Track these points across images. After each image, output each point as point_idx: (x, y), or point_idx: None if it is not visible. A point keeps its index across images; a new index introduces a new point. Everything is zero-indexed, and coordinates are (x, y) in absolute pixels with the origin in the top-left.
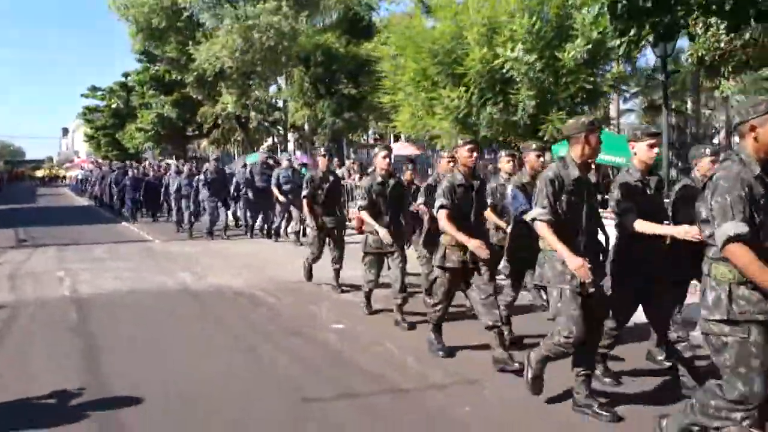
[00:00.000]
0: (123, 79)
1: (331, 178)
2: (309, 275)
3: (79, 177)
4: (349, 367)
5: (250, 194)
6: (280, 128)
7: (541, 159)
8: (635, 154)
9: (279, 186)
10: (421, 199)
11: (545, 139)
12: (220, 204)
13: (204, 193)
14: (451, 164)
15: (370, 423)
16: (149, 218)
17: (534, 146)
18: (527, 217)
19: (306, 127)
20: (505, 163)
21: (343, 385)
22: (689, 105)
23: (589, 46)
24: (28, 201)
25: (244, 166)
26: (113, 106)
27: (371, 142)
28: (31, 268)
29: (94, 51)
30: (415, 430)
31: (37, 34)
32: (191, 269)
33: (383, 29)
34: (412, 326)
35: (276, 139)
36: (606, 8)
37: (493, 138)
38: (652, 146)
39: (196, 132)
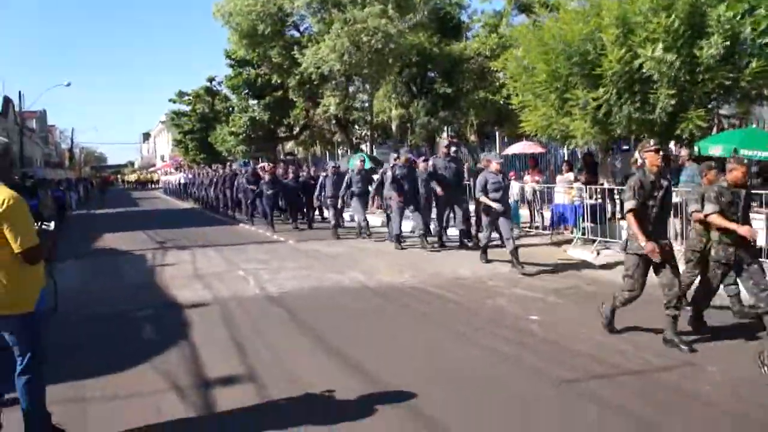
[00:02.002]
0: (208, 84)
1: (664, 183)
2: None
3: (182, 181)
4: (576, 353)
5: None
6: (357, 127)
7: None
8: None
9: (486, 192)
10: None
11: (683, 137)
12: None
13: (389, 191)
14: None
15: (632, 398)
16: (288, 224)
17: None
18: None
19: (394, 126)
20: None
21: (584, 368)
22: None
23: (727, 42)
24: (131, 205)
25: (425, 160)
26: (198, 110)
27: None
28: (208, 269)
29: (169, 57)
30: (674, 406)
31: (111, 43)
32: (358, 268)
33: (477, 29)
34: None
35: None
36: None
37: (628, 136)
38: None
39: (287, 134)
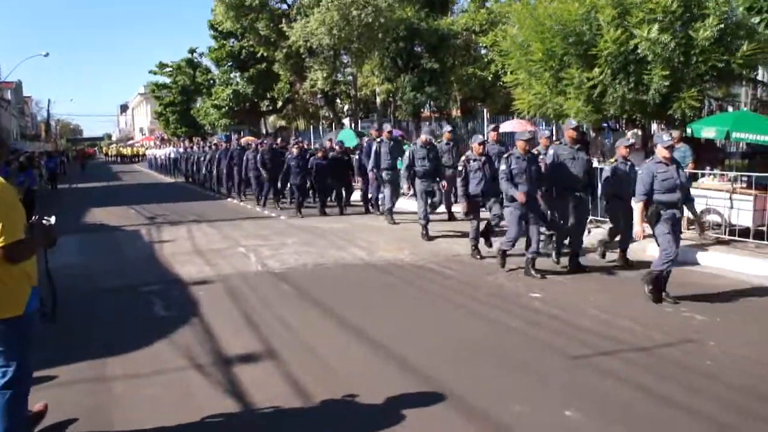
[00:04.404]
0: (189, 55)
1: None
2: None
3: (171, 156)
4: (582, 330)
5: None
6: (339, 101)
7: None
8: None
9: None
10: None
11: (675, 117)
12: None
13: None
14: None
15: (636, 371)
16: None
17: None
18: None
19: (378, 101)
20: None
21: (593, 345)
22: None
23: (722, 25)
24: (113, 179)
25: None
26: (179, 82)
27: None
28: (207, 245)
29: (148, 28)
30: (676, 380)
31: (84, 15)
32: (356, 244)
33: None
34: None
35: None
36: None
37: (620, 116)
38: None
39: (270, 107)
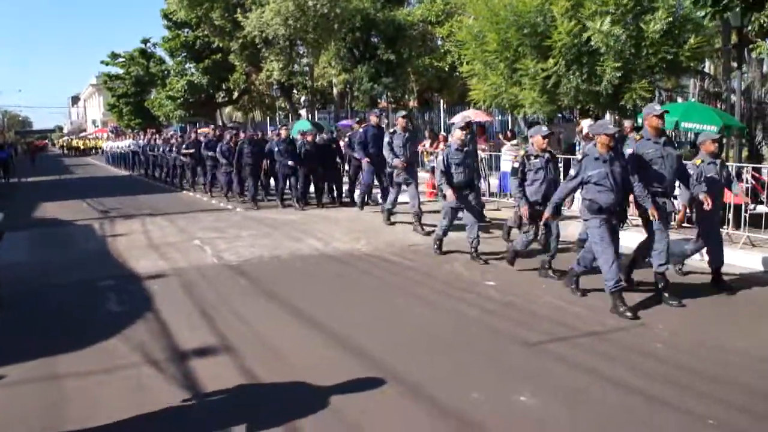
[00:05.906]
0: (142, 46)
1: None
2: None
3: (131, 148)
4: (536, 317)
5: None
6: (296, 92)
7: None
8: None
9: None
10: None
11: (627, 108)
12: None
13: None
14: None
15: (589, 356)
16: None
17: None
18: None
19: (335, 92)
20: None
21: (547, 331)
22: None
23: (671, 18)
24: (64, 172)
25: None
26: (133, 73)
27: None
28: (162, 239)
29: (100, 18)
30: (628, 364)
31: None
32: (313, 235)
33: None
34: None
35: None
36: None
37: (574, 107)
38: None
39: (225, 99)
